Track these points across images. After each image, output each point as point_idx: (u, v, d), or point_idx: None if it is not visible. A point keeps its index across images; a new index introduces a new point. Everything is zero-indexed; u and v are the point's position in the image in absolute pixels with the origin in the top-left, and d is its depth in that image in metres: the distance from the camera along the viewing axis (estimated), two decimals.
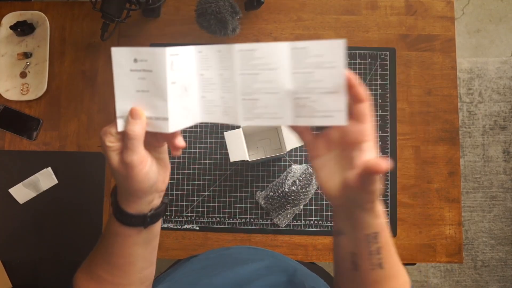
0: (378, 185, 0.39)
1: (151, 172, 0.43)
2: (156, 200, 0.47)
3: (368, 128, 0.40)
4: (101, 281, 0.48)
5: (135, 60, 0.41)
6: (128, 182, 0.42)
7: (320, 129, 0.43)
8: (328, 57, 0.40)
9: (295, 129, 0.44)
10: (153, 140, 0.44)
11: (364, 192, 0.39)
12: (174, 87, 0.42)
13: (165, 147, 0.46)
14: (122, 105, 0.42)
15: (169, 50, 0.41)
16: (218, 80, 0.43)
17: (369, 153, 0.40)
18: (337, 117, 0.40)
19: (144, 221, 0.45)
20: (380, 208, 0.42)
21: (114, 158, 0.41)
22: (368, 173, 0.37)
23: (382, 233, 0.42)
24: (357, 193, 0.39)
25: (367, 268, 0.43)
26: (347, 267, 0.45)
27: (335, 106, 0.40)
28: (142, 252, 0.48)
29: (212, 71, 0.44)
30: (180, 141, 0.44)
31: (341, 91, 0.40)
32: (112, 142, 0.41)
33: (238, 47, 0.42)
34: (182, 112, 0.43)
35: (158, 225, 0.49)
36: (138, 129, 0.40)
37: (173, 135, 0.43)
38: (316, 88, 0.40)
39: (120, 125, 0.42)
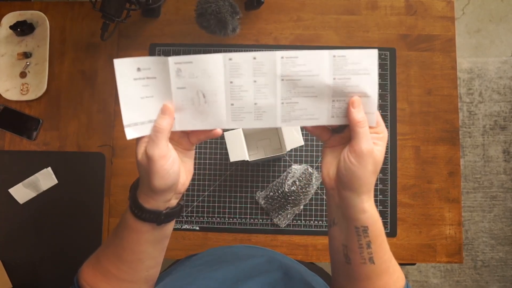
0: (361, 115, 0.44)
1: (172, 171, 0.44)
2: (173, 201, 0.48)
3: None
4: (108, 275, 0.48)
5: (138, 69, 0.44)
6: (149, 176, 0.43)
7: (338, 131, 0.48)
8: (363, 64, 0.44)
9: (313, 132, 0.48)
10: (184, 141, 0.48)
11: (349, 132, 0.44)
12: (182, 92, 0.44)
13: (192, 152, 0.49)
14: (128, 114, 0.44)
15: (174, 59, 0.44)
16: (251, 87, 0.45)
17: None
18: (368, 119, 0.45)
19: (158, 218, 0.46)
20: (369, 204, 0.44)
21: (141, 148, 0.44)
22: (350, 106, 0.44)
23: (372, 228, 0.44)
24: (347, 163, 0.43)
25: (358, 262, 0.45)
26: (341, 260, 0.47)
27: (367, 109, 0.45)
28: (152, 251, 0.49)
29: (243, 78, 0.45)
30: (214, 134, 0.47)
31: (373, 96, 0.44)
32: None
33: (280, 54, 0.44)
34: (194, 116, 0.45)
35: (170, 226, 0.50)
36: (165, 124, 0.43)
37: (203, 132, 0.47)
38: (352, 92, 0.44)
39: (129, 133, 0.44)
